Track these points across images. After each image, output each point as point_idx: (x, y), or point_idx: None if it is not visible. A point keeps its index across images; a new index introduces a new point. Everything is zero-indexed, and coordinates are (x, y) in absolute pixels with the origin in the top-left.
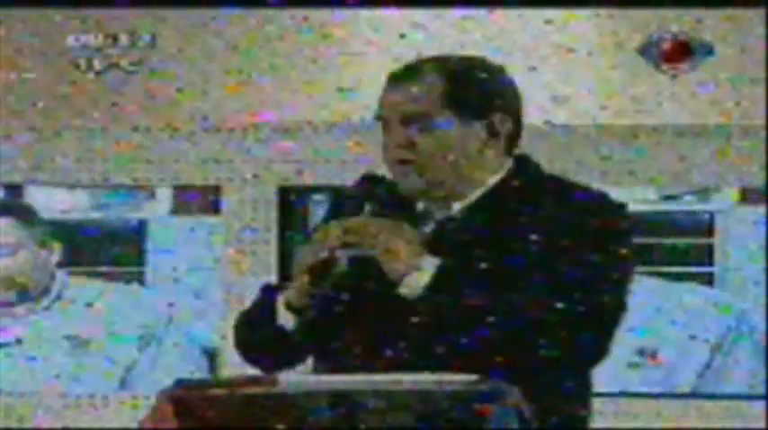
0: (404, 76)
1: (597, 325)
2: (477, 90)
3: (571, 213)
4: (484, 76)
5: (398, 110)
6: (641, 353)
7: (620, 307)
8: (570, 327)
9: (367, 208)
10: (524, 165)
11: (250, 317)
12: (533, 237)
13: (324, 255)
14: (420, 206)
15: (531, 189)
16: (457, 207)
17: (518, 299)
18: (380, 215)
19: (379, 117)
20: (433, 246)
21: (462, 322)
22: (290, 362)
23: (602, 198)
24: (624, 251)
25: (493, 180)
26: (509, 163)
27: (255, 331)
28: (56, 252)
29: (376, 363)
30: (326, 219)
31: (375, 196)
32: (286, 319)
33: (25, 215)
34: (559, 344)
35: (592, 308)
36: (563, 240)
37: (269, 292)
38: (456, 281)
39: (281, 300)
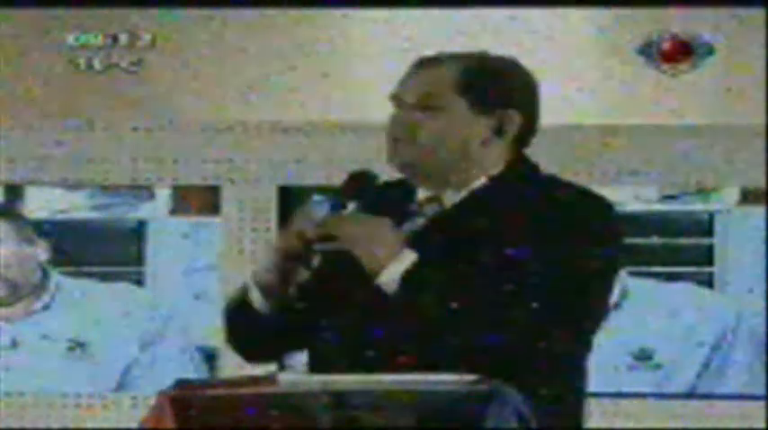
0: (426, 62)
1: (574, 324)
2: (491, 83)
3: (557, 212)
4: (502, 71)
5: (412, 91)
6: (640, 354)
7: (601, 307)
8: (547, 325)
9: (352, 205)
10: (520, 165)
11: (229, 302)
12: (520, 235)
13: (294, 246)
14: (413, 204)
15: (522, 188)
16: (450, 199)
17: (493, 294)
18: (367, 212)
19: (393, 96)
20: (421, 241)
21: (436, 317)
22: (267, 351)
23: (589, 197)
24: (607, 251)
25: (488, 175)
26: (504, 160)
27: (233, 315)
28: (42, 249)
29: (356, 356)
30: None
31: (362, 193)
32: (257, 300)
33: (5, 212)
34: (536, 340)
35: (570, 307)
36: (547, 239)
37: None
38: (431, 275)
39: (251, 279)
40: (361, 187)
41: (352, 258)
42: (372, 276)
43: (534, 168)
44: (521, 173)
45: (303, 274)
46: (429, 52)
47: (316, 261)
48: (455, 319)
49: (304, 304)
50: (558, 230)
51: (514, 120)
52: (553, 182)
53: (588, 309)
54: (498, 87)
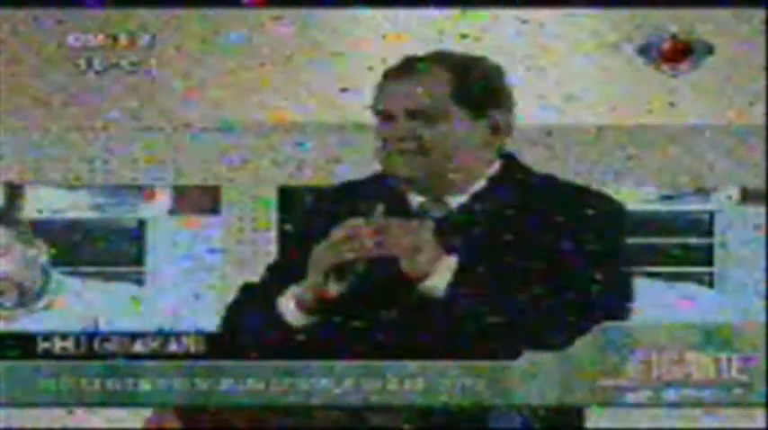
0: (409, 70)
1: (599, 316)
2: (483, 87)
3: (569, 208)
4: (489, 73)
5: (405, 103)
6: None
7: (625, 299)
8: (577, 321)
9: (380, 207)
10: (513, 163)
11: (248, 316)
12: (535, 232)
13: (351, 255)
14: (414, 204)
15: (526, 186)
16: (452, 204)
17: (531, 293)
18: (390, 215)
19: (379, 111)
20: (443, 243)
21: (487, 317)
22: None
23: (598, 194)
24: (621, 245)
25: (487, 176)
26: (497, 161)
27: (257, 332)
28: (43, 251)
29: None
30: (330, 216)
31: (385, 196)
32: (296, 318)
33: (5, 216)
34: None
35: (594, 303)
36: (563, 234)
37: (265, 291)
38: (476, 279)
39: (290, 299)
40: (385, 189)
41: (395, 263)
42: (415, 281)
43: (526, 166)
44: (520, 172)
45: (347, 281)
46: (430, 52)
47: (360, 268)
48: (503, 321)
49: (343, 311)
50: (574, 227)
51: (506, 119)
52: (554, 179)
53: (613, 302)
54: (488, 90)
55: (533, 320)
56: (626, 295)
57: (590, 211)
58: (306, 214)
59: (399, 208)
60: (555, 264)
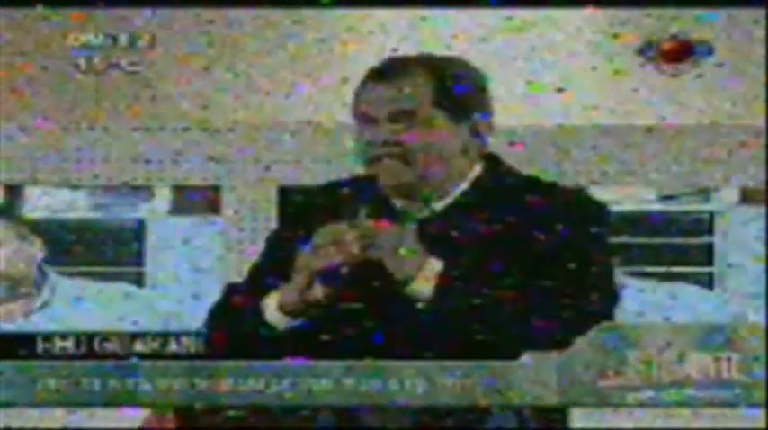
0: (390, 73)
1: (586, 320)
2: (464, 90)
3: (551, 208)
4: (469, 76)
5: (387, 107)
6: None
7: (611, 300)
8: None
9: (363, 210)
10: (496, 164)
11: (232, 319)
12: (520, 233)
13: (338, 259)
14: (398, 206)
15: (510, 186)
16: (437, 206)
17: (515, 293)
18: (374, 217)
19: (360, 114)
20: (427, 246)
21: (477, 319)
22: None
23: (579, 194)
24: (605, 246)
25: (470, 179)
26: (479, 162)
27: (240, 334)
28: (39, 248)
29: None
30: (313, 218)
31: (368, 198)
32: (278, 321)
33: (3, 215)
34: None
35: (580, 304)
36: (547, 234)
37: (249, 292)
38: (463, 281)
39: (273, 302)
40: (367, 192)
41: (380, 267)
42: (400, 284)
43: (509, 167)
44: (504, 173)
45: (328, 287)
46: (429, 52)
47: (345, 272)
48: (489, 324)
49: (327, 314)
50: (559, 227)
51: (488, 122)
52: (537, 181)
53: (599, 302)
54: (469, 94)
55: (518, 321)
56: (611, 294)
57: (571, 211)
58: (288, 213)
59: (383, 208)
60: (538, 264)
